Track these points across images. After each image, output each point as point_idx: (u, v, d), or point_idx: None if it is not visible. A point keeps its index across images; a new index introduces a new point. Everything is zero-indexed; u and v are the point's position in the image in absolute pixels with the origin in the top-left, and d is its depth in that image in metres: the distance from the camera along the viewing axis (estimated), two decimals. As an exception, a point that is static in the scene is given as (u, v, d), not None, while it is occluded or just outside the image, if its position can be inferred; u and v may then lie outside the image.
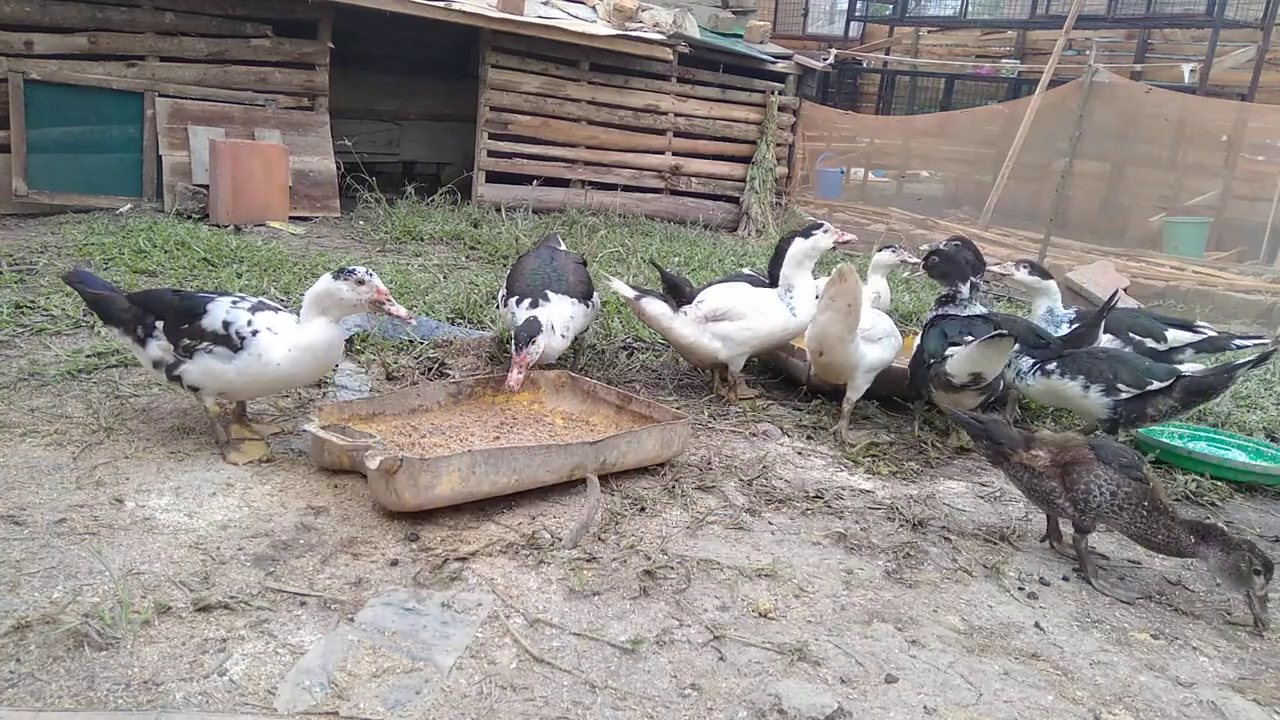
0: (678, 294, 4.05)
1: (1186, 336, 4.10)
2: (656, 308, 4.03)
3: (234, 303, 2.92)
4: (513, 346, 3.50)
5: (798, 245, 4.02)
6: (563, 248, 4.41)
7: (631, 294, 4.03)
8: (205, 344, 2.85)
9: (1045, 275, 4.44)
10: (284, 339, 2.87)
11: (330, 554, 2.44)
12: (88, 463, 2.84)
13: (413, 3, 7.62)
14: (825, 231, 4.02)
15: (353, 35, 8.07)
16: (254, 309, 2.92)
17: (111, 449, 2.96)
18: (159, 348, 2.92)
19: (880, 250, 4.66)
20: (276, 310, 2.96)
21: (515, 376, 3.40)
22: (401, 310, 2.90)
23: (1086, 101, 8.51)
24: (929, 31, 14.69)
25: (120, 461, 2.88)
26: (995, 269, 4.69)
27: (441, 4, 7.78)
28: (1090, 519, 2.71)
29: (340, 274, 2.88)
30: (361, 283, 2.85)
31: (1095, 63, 8.94)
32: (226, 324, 2.86)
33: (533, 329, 3.51)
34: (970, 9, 13.72)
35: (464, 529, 2.64)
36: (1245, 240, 9.14)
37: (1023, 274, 4.39)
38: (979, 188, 10.57)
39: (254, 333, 2.85)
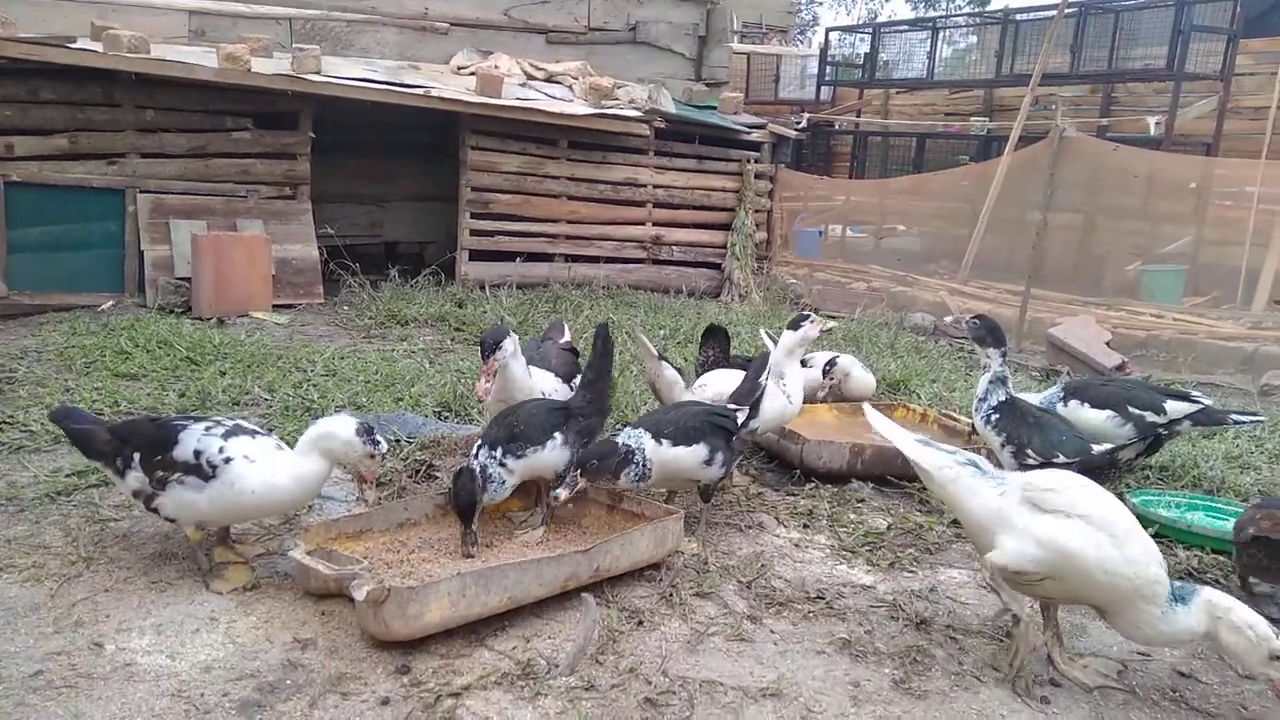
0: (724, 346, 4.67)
1: (1184, 408, 4.09)
2: (672, 374, 4.18)
3: (207, 429, 2.86)
4: (480, 353, 3.45)
5: (788, 337, 4.11)
6: (566, 336, 4.43)
7: (654, 351, 4.15)
8: (177, 474, 2.79)
9: (990, 341, 3.92)
10: (263, 468, 2.81)
11: (319, 695, 2.35)
12: (66, 600, 2.75)
13: (393, 92, 7.74)
14: (812, 322, 4.12)
15: (333, 121, 8.17)
16: (228, 434, 2.85)
17: (91, 581, 2.88)
18: (136, 479, 2.85)
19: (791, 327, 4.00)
20: (254, 434, 2.91)
21: (483, 385, 3.35)
22: (371, 497, 3.01)
23: (1056, 160, 8.68)
24: (898, 92, 15.05)
25: (100, 596, 2.79)
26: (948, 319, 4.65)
27: (420, 91, 7.89)
28: None
29: (365, 434, 2.85)
30: (373, 456, 2.88)
31: (1062, 120, 9.14)
32: (197, 453, 2.80)
33: (499, 334, 3.41)
34: (937, 69, 14.07)
35: (456, 657, 2.56)
36: (1220, 285, 9.25)
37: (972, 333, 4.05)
38: (956, 242, 10.69)
39: (226, 460, 2.79)
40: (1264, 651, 2.26)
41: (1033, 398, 4.38)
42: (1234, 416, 4.22)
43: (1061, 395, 4.26)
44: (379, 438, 2.87)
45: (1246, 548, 3.10)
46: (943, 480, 2.66)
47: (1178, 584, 2.47)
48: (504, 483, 3.08)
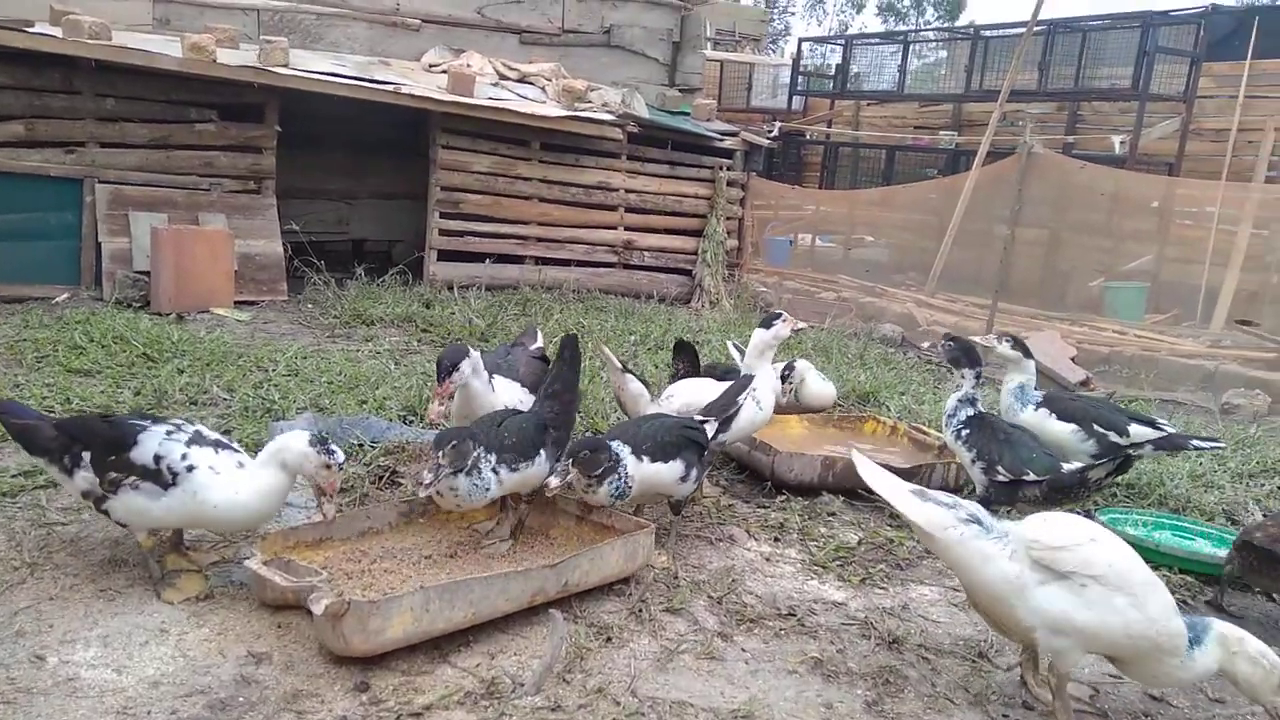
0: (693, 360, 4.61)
1: (1147, 433, 4.13)
2: (637, 387, 4.09)
3: (169, 433, 2.74)
4: (436, 374, 3.33)
5: (759, 336, 4.02)
6: (539, 342, 4.34)
7: (619, 364, 4.08)
8: (132, 478, 2.67)
9: (1027, 353, 4.44)
10: (227, 482, 2.70)
11: (273, 713, 2.25)
12: (7, 608, 2.62)
13: (362, 88, 7.60)
14: (784, 321, 4.04)
15: (300, 115, 8.00)
16: (190, 441, 2.74)
17: (35, 589, 2.75)
18: (85, 479, 2.72)
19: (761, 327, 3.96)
20: (217, 447, 2.80)
21: (435, 409, 3.27)
22: (330, 510, 2.86)
23: (1024, 176, 8.78)
24: (868, 104, 15.16)
25: (44, 605, 2.66)
26: (978, 340, 4.59)
27: (390, 88, 7.76)
28: None
29: (319, 444, 2.75)
30: (329, 467, 2.76)
31: (1030, 137, 9.25)
32: (158, 458, 2.68)
33: (457, 355, 3.32)
34: (908, 83, 14.20)
35: (417, 674, 2.48)
36: (1181, 303, 9.43)
37: (1004, 348, 4.41)
38: (924, 254, 10.78)
39: (189, 469, 2.67)
40: (1275, 680, 2.22)
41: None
42: (1194, 442, 4.29)
43: (1038, 401, 4.29)
44: (334, 448, 2.77)
45: (1242, 549, 3.28)
46: (948, 542, 2.40)
47: (1188, 619, 2.37)
48: (488, 490, 2.94)
